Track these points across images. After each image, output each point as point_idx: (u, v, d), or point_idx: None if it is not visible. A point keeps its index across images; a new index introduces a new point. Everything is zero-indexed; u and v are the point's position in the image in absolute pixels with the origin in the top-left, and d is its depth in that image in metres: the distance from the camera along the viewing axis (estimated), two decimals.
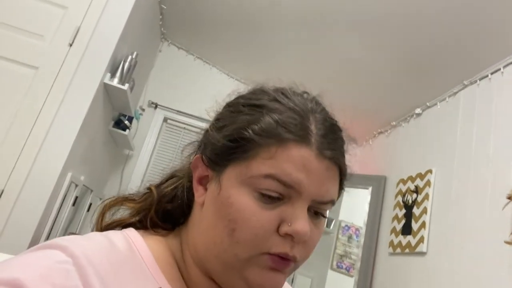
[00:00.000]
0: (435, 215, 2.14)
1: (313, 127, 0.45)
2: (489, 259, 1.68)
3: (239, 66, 3.15)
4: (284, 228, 0.42)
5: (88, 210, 2.48)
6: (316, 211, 0.45)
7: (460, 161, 2.07)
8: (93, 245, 0.41)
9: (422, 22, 2.00)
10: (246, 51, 2.94)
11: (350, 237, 3.88)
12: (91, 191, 2.47)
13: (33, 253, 0.37)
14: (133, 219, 0.53)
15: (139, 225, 0.53)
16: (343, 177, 0.49)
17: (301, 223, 0.42)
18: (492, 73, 2.00)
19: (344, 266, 3.83)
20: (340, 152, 0.47)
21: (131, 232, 0.47)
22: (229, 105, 0.51)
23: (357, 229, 3.85)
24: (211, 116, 0.53)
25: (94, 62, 1.92)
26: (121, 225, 0.53)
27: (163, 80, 3.16)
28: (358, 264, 2.70)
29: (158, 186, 0.55)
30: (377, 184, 2.79)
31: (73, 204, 2.14)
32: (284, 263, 0.43)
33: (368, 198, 2.81)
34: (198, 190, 0.49)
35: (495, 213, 1.71)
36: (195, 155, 0.51)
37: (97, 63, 1.93)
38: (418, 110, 2.59)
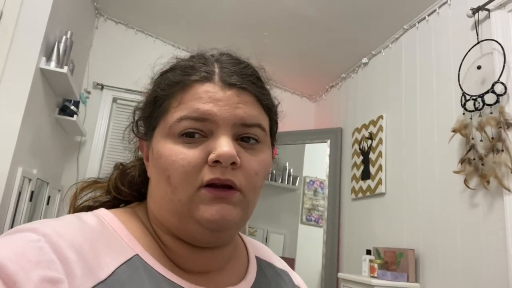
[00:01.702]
0: (390, 158, 2.26)
1: (216, 68, 0.47)
2: (441, 189, 1.82)
3: (184, 34, 3.05)
4: (210, 157, 0.43)
5: (48, 203, 2.39)
6: (247, 137, 0.46)
7: (407, 103, 2.17)
8: (63, 223, 0.41)
9: None
10: (188, 17, 2.83)
11: (315, 191, 4.04)
12: (47, 184, 2.36)
13: (4, 237, 0.37)
14: (105, 199, 0.55)
15: (111, 205, 0.54)
16: (268, 107, 0.50)
17: (222, 146, 0.43)
18: (429, 15, 2.08)
19: (313, 219, 4.01)
20: (249, 81, 0.48)
21: (101, 211, 0.48)
22: (148, 84, 0.53)
23: (321, 182, 4.00)
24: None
25: (25, 47, 1.78)
26: (94, 205, 0.54)
27: (106, 59, 3.00)
28: (325, 214, 2.83)
29: (121, 163, 0.57)
30: (334, 136, 2.88)
31: (30, 199, 2.05)
32: (224, 191, 0.43)
33: (327, 150, 2.91)
34: (147, 166, 0.51)
35: (443, 146, 1.84)
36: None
37: (28, 48, 1.79)
38: (364, 60, 2.66)
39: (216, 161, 0.43)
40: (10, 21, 1.76)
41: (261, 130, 0.47)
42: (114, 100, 2.99)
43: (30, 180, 2.02)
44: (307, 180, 3.51)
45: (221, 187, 0.43)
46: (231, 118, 0.44)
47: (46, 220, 0.41)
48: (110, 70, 2.99)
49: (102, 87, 2.94)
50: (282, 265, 0.61)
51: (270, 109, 0.50)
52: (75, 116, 2.37)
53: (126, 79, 2.98)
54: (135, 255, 0.43)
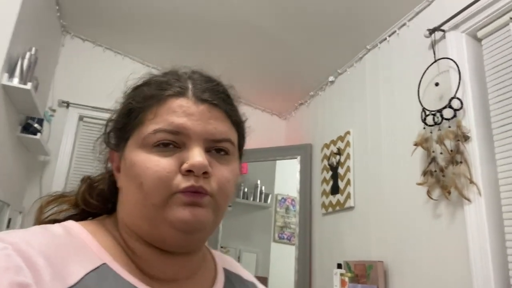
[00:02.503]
0: (357, 172, 2.32)
1: (189, 84, 0.51)
2: (407, 201, 1.88)
3: (152, 52, 3.04)
4: (183, 166, 0.46)
5: (8, 226, 2.27)
6: (218, 149, 0.49)
7: (372, 119, 2.26)
8: (30, 232, 0.42)
9: None
10: (156, 35, 2.84)
11: (287, 208, 4.04)
12: (8, 205, 2.25)
13: None
14: (72, 212, 0.56)
15: (78, 218, 0.54)
16: (237, 123, 0.54)
17: (195, 156, 0.46)
18: (389, 36, 2.20)
19: (285, 237, 4.00)
20: (220, 98, 0.51)
21: (68, 222, 0.49)
22: (122, 97, 0.55)
23: (293, 200, 4.02)
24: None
25: None
26: (60, 218, 0.54)
27: (72, 76, 2.94)
28: (297, 230, 2.84)
29: (89, 176, 0.58)
30: (304, 152, 2.93)
31: None
32: (197, 195, 0.45)
33: (298, 167, 2.95)
34: (117, 177, 0.53)
35: (406, 160, 1.91)
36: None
37: None
38: (331, 78, 2.75)
39: (189, 171, 0.45)
40: None
41: (230, 144, 0.50)
42: (81, 118, 2.93)
43: None
44: (279, 197, 3.52)
45: (194, 193, 0.45)
46: (203, 133, 0.47)
47: (12, 231, 0.42)
48: (76, 87, 2.93)
49: (68, 105, 2.87)
50: (248, 276, 0.62)
51: (238, 125, 0.54)
52: (38, 134, 2.29)
53: (94, 97, 2.92)
54: (103, 263, 0.44)
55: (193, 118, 0.47)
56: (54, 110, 2.82)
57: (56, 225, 0.47)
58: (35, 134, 2.28)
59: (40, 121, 2.37)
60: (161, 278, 0.48)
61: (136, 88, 0.53)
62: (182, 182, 0.45)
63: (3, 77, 1.80)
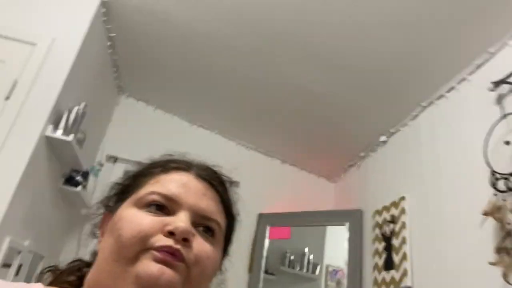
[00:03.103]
0: (415, 244, 2.00)
1: (193, 164, 0.56)
2: (476, 283, 1.53)
3: (200, 112, 3.08)
4: (167, 227, 0.46)
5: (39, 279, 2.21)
6: (205, 228, 0.50)
7: (430, 184, 1.98)
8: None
9: (371, 44, 1.99)
10: (205, 97, 2.89)
11: (338, 282, 3.63)
12: (42, 257, 2.22)
13: None
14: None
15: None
16: (229, 211, 0.56)
17: (180, 220, 0.46)
18: (447, 92, 1.99)
19: None
20: (218, 182, 0.55)
21: (35, 284, 0.50)
22: None
23: (340, 270, 3.62)
24: None
25: (32, 114, 1.80)
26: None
27: (123, 134, 3.03)
28: None
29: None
30: (354, 218, 2.65)
31: (17, 273, 1.89)
32: (171, 256, 0.44)
33: (346, 235, 2.65)
34: (100, 241, 0.53)
35: (475, 232, 1.59)
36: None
37: (36, 115, 1.81)
38: (383, 138, 2.54)
39: (171, 233, 0.45)
40: (23, 90, 1.80)
41: (218, 226, 0.51)
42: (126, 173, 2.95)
43: (19, 252, 1.89)
44: (330, 269, 3.17)
45: (169, 253, 0.44)
46: (194, 206, 0.49)
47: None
48: (125, 144, 3.00)
49: (115, 160, 2.93)
50: None
51: (229, 213, 0.56)
52: (79, 187, 2.30)
53: (140, 154, 2.94)
54: None
55: (189, 191, 0.51)
56: (102, 165, 2.88)
57: (23, 284, 0.49)
58: (76, 186, 2.29)
59: (85, 174, 2.39)
60: None
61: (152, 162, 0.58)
62: (160, 240, 0.45)
63: (48, 128, 1.85)
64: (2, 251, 1.69)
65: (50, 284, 0.54)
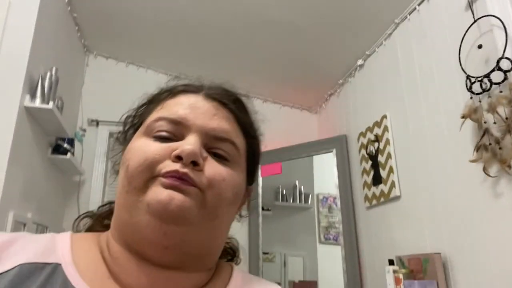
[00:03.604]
0: (400, 158, 2.13)
1: (203, 87, 0.52)
2: (460, 183, 1.67)
3: (174, 61, 3.01)
4: (173, 152, 0.43)
5: None
6: (216, 153, 0.46)
7: (410, 98, 2.06)
8: (21, 233, 0.47)
9: None
10: (175, 45, 2.80)
11: (330, 208, 3.86)
12: (46, 228, 2.26)
13: None
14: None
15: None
16: (246, 129, 0.52)
17: (187, 143, 0.44)
18: (418, 4, 2.00)
19: (331, 237, 3.81)
20: (231, 100, 0.51)
21: (64, 233, 0.49)
22: None
23: (335, 198, 3.84)
24: None
25: (7, 87, 1.73)
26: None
27: (99, 95, 2.96)
28: (340, 228, 2.66)
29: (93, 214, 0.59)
30: (339, 144, 2.76)
31: None
32: (179, 180, 0.42)
33: (334, 160, 2.78)
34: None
35: (454, 136, 1.70)
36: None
37: (11, 87, 1.74)
38: (360, 61, 2.57)
39: (179, 157, 0.43)
40: None
41: (233, 147, 0.48)
42: (111, 135, 2.93)
43: (24, 224, 1.92)
44: (320, 197, 3.37)
45: (177, 178, 0.42)
46: (204, 127, 0.46)
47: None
48: (104, 105, 2.94)
49: (97, 123, 2.89)
50: None
51: (248, 132, 0.52)
52: (69, 154, 2.29)
53: (121, 113, 2.92)
54: (57, 264, 0.43)
55: (197, 112, 0.47)
56: (84, 130, 2.85)
57: (51, 233, 0.50)
58: (65, 154, 2.28)
59: (71, 141, 2.37)
60: None
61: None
62: (167, 166, 0.43)
63: (25, 98, 1.80)
64: (8, 225, 1.71)
65: (88, 230, 0.56)
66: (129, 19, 2.57)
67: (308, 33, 2.43)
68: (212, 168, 0.44)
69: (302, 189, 3.37)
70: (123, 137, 0.55)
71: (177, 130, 0.46)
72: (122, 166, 0.46)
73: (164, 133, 0.46)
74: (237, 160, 0.48)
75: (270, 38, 2.53)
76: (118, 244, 0.45)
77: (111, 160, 0.56)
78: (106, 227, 0.54)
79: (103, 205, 0.59)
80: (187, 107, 0.47)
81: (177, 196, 0.41)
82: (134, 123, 0.53)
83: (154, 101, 0.51)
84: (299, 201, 3.39)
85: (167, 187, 0.41)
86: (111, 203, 0.58)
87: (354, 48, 2.50)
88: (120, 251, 0.45)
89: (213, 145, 0.46)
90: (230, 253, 0.60)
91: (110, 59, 3.05)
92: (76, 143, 2.59)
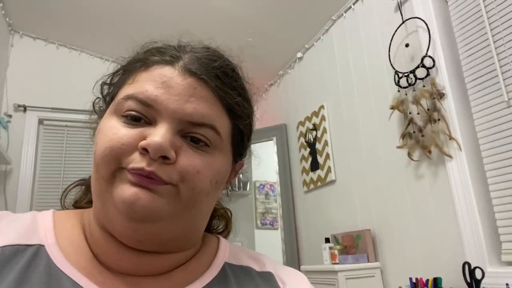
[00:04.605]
0: (336, 145, 2.31)
1: (183, 55, 0.44)
2: (387, 167, 1.87)
3: (111, 45, 2.89)
4: (141, 143, 0.39)
5: None
6: (194, 138, 0.41)
7: (345, 90, 2.23)
8: (2, 213, 0.45)
9: None
10: (114, 26, 2.69)
11: (267, 194, 4.01)
12: None
13: None
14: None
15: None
16: (231, 108, 0.45)
17: (157, 135, 0.39)
18: (354, 3, 2.17)
19: (268, 222, 3.98)
20: (213, 74, 0.43)
21: (47, 211, 0.48)
22: None
23: (271, 185, 4.00)
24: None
25: None
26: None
27: (27, 78, 2.74)
28: (280, 211, 2.81)
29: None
30: (279, 133, 2.89)
31: None
32: (147, 179, 0.38)
33: (274, 148, 2.90)
34: None
35: (383, 125, 1.90)
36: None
37: None
38: (299, 54, 2.70)
39: (145, 149, 0.39)
40: None
41: (214, 132, 0.42)
42: (40, 121, 2.75)
43: None
44: (257, 184, 3.49)
45: (144, 177, 0.39)
46: (177, 112, 0.40)
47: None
48: (32, 89, 2.74)
49: (25, 108, 2.68)
50: (266, 267, 0.52)
51: (233, 112, 0.45)
52: None
53: (52, 98, 2.75)
54: (39, 244, 0.42)
55: (171, 92, 0.41)
56: (10, 116, 2.63)
57: (32, 212, 0.47)
58: None
59: None
60: (122, 272, 0.42)
61: (137, 53, 0.48)
62: (133, 161, 0.39)
63: None
64: None
65: (75, 204, 0.54)
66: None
67: (251, 24, 2.49)
68: (186, 160, 0.40)
69: (241, 177, 3.46)
70: (99, 108, 0.49)
71: (147, 112, 0.40)
72: (94, 146, 0.42)
73: (134, 113, 0.41)
74: (218, 144, 0.43)
75: (215, 28, 2.55)
76: (98, 226, 0.43)
77: (91, 127, 0.50)
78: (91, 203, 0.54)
79: (75, 182, 0.56)
80: (159, 85, 0.41)
81: (143, 196, 0.38)
82: (107, 93, 0.48)
83: (127, 70, 0.45)
84: (238, 188, 3.48)
85: (134, 184, 0.38)
86: (83, 180, 0.56)
87: (294, 41, 2.62)
88: (100, 233, 0.43)
89: (189, 130, 0.41)
90: (222, 222, 0.60)
91: (38, 40, 2.83)
92: (1, 130, 2.39)
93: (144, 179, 0.38)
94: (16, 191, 2.54)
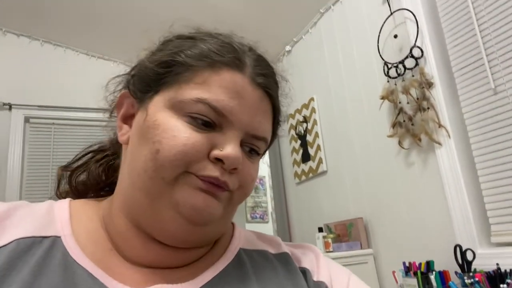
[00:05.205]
0: (326, 136, 2.34)
1: (246, 59, 0.44)
2: (378, 155, 1.92)
3: (97, 41, 2.85)
4: (215, 152, 0.40)
5: None
6: (250, 149, 0.44)
7: (334, 81, 2.27)
8: (19, 203, 0.45)
9: None
10: (99, 22, 2.65)
11: (256, 188, 4.04)
12: None
13: None
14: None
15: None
16: (277, 115, 0.49)
17: (232, 147, 0.40)
18: None
19: (257, 216, 4.02)
20: (273, 84, 0.46)
21: (63, 200, 0.47)
22: (162, 41, 0.48)
23: (260, 179, 4.03)
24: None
25: None
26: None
27: (11, 75, 2.68)
28: (272, 204, 2.83)
29: (66, 166, 0.55)
30: None
31: None
32: (216, 187, 0.40)
33: None
34: (122, 128, 0.47)
35: (374, 115, 1.94)
36: (120, 92, 0.49)
37: None
38: (288, 48, 2.72)
39: (219, 159, 0.40)
40: None
41: (265, 144, 0.45)
42: (27, 120, 2.70)
43: None
44: None
45: (215, 185, 0.40)
46: (247, 125, 0.42)
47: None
48: (17, 87, 2.68)
49: (10, 106, 2.63)
50: (281, 249, 0.53)
51: (277, 123, 0.50)
52: None
53: (39, 95, 2.71)
54: (55, 236, 0.42)
55: (244, 104, 0.42)
56: None
57: (48, 201, 0.47)
58: None
59: None
60: (142, 264, 0.43)
61: (187, 39, 0.45)
62: (206, 169, 0.40)
63: None
64: None
65: (82, 193, 0.54)
66: None
67: (238, 18, 2.50)
68: (246, 169, 0.43)
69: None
70: (139, 89, 0.45)
71: (217, 119, 0.41)
72: (145, 142, 0.41)
73: (206, 119, 0.41)
74: (262, 152, 0.46)
75: (202, 21, 2.54)
76: (126, 219, 0.43)
77: (108, 99, 0.50)
78: (99, 192, 0.54)
79: (83, 156, 0.55)
80: (234, 94, 0.41)
81: (212, 204, 0.40)
82: (151, 78, 0.44)
83: (189, 67, 0.42)
84: None
85: (203, 190, 0.40)
86: (95, 152, 0.55)
87: (283, 34, 2.64)
88: (127, 226, 0.43)
89: (250, 141, 0.43)
90: None
91: (22, 37, 2.77)
92: None
93: (214, 187, 0.40)
94: (3, 191, 2.49)
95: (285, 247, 0.54)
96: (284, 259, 0.51)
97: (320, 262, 0.52)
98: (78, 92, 2.65)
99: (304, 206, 2.54)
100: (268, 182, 3.00)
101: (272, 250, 0.52)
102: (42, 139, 2.73)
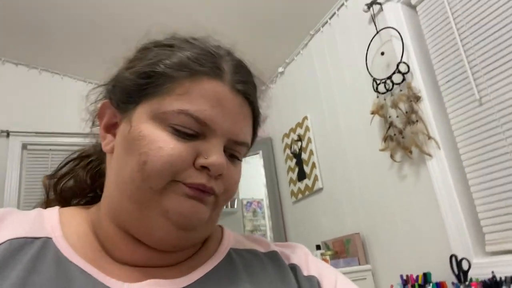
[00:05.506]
0: (321, 154, 2.37)
1: (224, 66, 0.45)
2: (372, 170, 1.94)
3: (93, 68, 2.91)
4: (200, 161, 0.42)
5: None
6: (231, 154, 0.46)
7: (327, 99, 2.32)
8: (8, 209, 0.46)
9: None
10: (92, 50, 2.72)
11: (254, 212, 4.02)
12: None
13: None
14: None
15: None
16: (256, 118, 0.50)
17: (216, 155, 0.42)
18: (330, 18, 2.28)
19: None
20: (252, 89, 0.48)
21: (53, 208, 0.48)
22: (140, 49, 0.50)
23: (258, 202, 4.02)
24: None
25: None
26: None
27: (9, 104, 2.73)
28: (270, 223, 2.82)
29: (52, 175, 0.57)
30: (265, 146, 2.94)
31: None
32: (203, 193, 0.42)
33: (261, 162, 2.95)
34: (106, 138, 0.48)
35: (365, 131, 1.97)
36: (102, 101, 0.50)
37: None
38: (280, 69, 2.79)
39: (204, 167, 0.42)
40: None
41: (247, 148, 0.47)
42: (24, 146, 2.72)
43: None
44: (244, 202, 3.50)
45: (201, 191, 0.42)
46: (229, 132, 0.43)
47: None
48: (15, 115, 2.73)
49: (8, 134, 2.66)
50: (270, 247, 0.54)
51: (257, 124, 0.51)
52: None
53: (36, 122, 2.74)
54: (47, 237, 0.43)
55: (225, 111, 0.43)
56: None
57: (38, 208, 0.49)
58: None
59: None
60: (131, 264, 0.44)
61: (165, 46, 0.46)
62: (192, 177, 0.41)
63: None
64: None
65: (66, 200, 0.55)
66: (41, 22, 2.44)
67: (232, 41, 2.57)
68: (230, 174, 0.45)
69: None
70: (121, 100, 0.46)
71: (200, 129, 0.42)
72: (131, 153, 0.42)
73: (189, 131, 0.42)
74: (243, 155, 0.48)
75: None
76: (114, 225, 0.45)
77: (89, 110, 0.52)
78: (84, 198, 0.56)
79: (67, 163, 0.57)
80: (215, 103, 0.42)
81: (200, 209, 0.42)
82: (132, 89, 0.45)
83: (170, 77, 0.43)
84: (226, 206, 3.47)
85: (191, 197, 0.42)
86: (79, 159, 0.57)
87: (275, 56, 2.71)
88: (115, 231, 0.45)
89: (231, 147, 0.45)
90: None
91: (20, 66, 2.84)
92: None
93: (201, 193, 0.42)
94: None
95: (274, 246, 0.55)
96: (274, 257, 0.52)
97: (309, 259, 0.53)
98: (76, 118, 2.68)
99: (302, 225, 2.53)
100: (265, 203, 3.00)
101: (261, 249, 0.54)
102: (40, 165, 2.75)
